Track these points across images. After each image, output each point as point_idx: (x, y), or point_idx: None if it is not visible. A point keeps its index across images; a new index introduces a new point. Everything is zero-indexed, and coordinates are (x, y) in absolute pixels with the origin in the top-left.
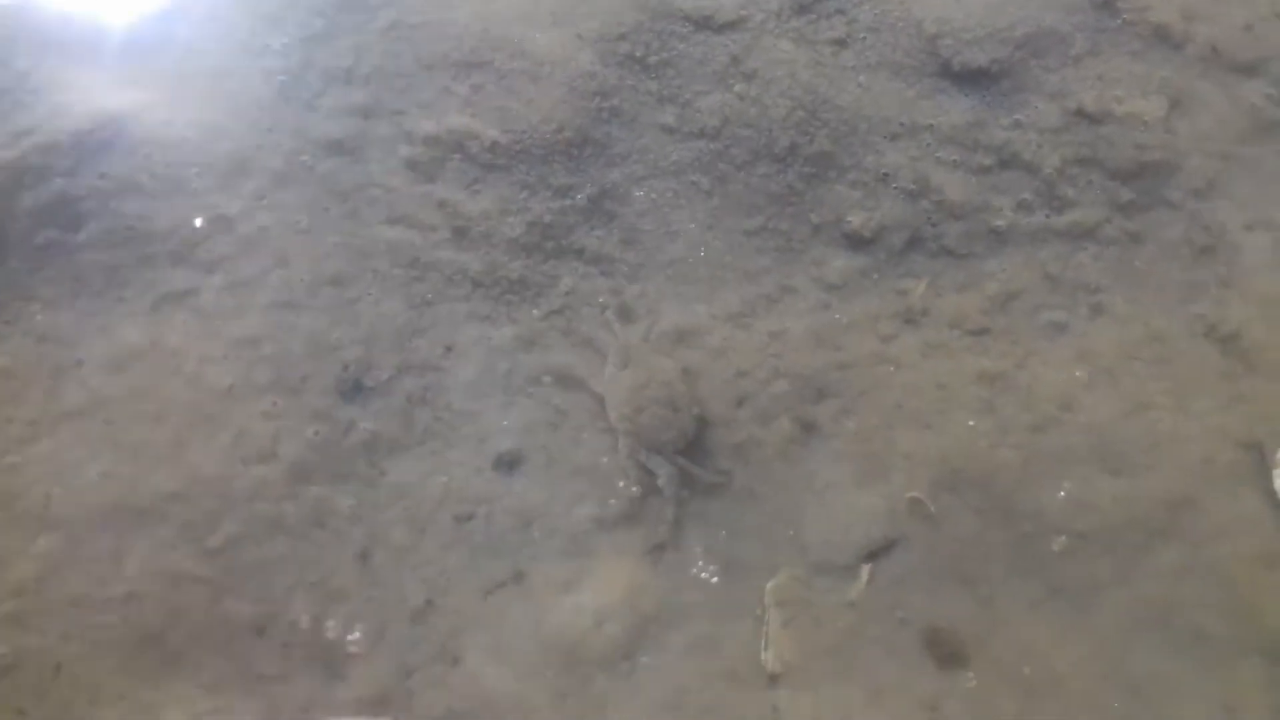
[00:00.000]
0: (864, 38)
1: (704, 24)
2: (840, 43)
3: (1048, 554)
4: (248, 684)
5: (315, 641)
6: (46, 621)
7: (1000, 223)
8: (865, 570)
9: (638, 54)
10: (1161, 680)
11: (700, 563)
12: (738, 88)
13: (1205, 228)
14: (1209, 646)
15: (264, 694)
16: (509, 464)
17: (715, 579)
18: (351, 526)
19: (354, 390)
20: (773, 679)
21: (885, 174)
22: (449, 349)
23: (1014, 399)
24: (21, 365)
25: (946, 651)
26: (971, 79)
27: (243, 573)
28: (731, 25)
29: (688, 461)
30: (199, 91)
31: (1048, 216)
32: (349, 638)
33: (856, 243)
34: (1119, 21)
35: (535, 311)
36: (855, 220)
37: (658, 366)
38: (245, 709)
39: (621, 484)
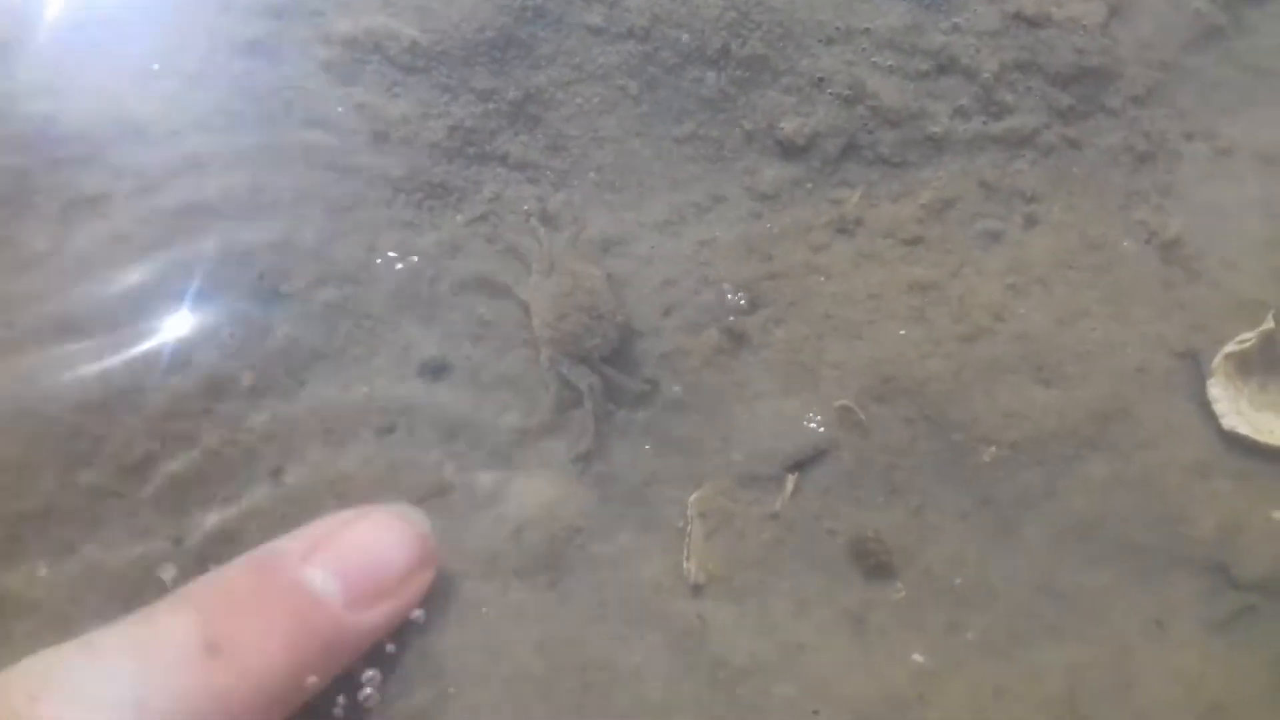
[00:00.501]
0: None
1: None
2: None
3: (978, 464)
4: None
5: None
6: None
7: (937, 129)
8: (790, 480)
9: None
10: (1092, 592)
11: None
12: None
13: (1145, 135)
14: (1140, 558)
15: None
16: (433, 373)
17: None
18: (265, 443)
19: (270, 297)
20: (696, 590)
21: (820, 79)
22: (370, 256)
23: (946, 309)
24: None
25: (874, 563)
26: None
27: (158, 488)
28: None
29: (613, 370)
30: None
31: (985, 123)
32: None
33: (789, 150)
34: None
35: (459, 218)
36: (788, 127)
37: (582, 273)
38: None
39: (545, 395)
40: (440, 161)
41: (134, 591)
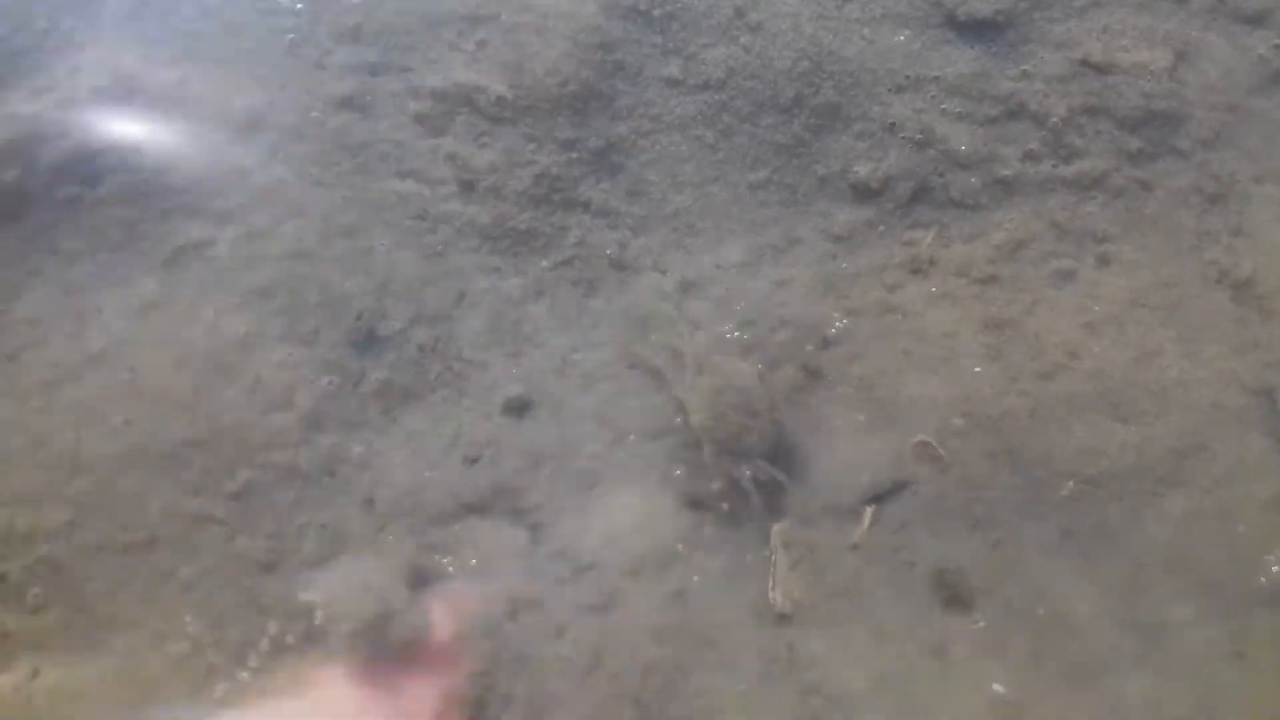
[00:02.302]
0: None
1: None
2: None
3: (1057, 499)
4: (251, 618)
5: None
6: (76, 563)
7: (1007, 172)
8: (868, 513)
9: (642, 7)
10: (1173, 625)
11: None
12: (743, 40)
13: (1215, 177)
14: (1219, 592)
15: (266, 629)
16: (518, 410)
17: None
18: (360, 472)
19: (367, 340)
20: (782, 618)
21: (891, 125)
22: (460, 299)
23: (1021, 346)
24: (46, 315)
25: (953, 594)
26: (977, 30)
27: (257, 515)
28: None
29: (766, 464)
30: (211, 49)
31: (1055, 166)
32: None
33: (863, 194)
34: None
35: (544, 262)
36: (861, 171)
37: (734, 371)
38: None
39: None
40: (526, 209)
41: (225, 612)
